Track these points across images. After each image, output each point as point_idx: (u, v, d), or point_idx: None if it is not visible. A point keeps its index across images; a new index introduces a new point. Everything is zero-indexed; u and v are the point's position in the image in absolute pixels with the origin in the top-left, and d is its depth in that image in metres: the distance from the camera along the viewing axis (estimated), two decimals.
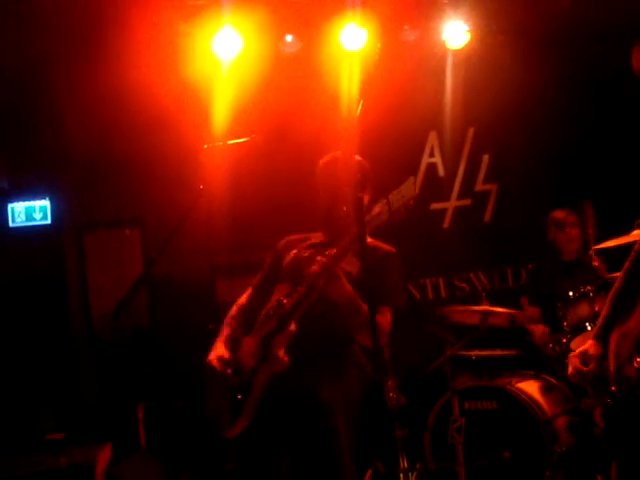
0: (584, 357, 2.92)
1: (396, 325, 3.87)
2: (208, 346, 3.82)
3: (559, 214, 5.92)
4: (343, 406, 3.64)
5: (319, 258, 3.53)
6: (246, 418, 3.58)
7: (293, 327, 3.53)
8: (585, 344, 2.96)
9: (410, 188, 3.35)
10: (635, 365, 2.67)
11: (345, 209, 3.70)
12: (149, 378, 6.18)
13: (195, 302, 6.43)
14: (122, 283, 6.34)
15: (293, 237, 3.98)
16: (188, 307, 6.39)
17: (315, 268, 3.51)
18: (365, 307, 3.39)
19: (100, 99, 6.10)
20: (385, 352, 5.10)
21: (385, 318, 3.62)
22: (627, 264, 3.01)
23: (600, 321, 2.98)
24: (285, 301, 3.59)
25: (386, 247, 3.75)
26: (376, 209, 3.38)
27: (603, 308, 3.01)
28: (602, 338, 2.92)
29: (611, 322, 2.92)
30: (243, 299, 4.00)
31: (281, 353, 3.51)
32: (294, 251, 3.87)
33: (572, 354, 2.99)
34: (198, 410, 3.91)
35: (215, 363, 3.72)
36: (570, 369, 3.00)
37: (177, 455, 5.66)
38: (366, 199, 3.56)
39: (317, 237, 3.91)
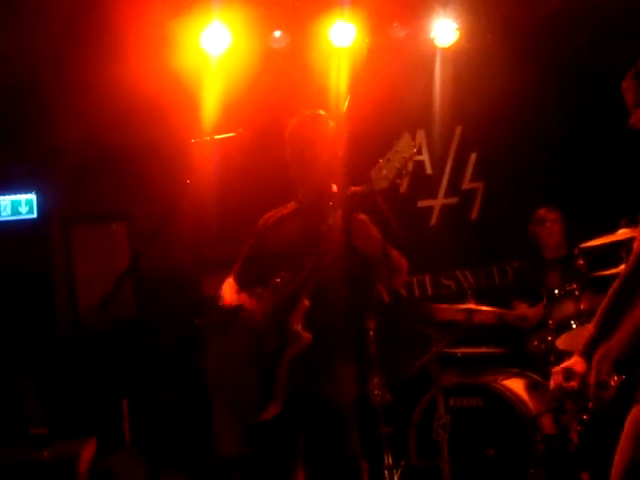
0: (568, 373, 2.92)
1: (382, 323, 3.90)
2: (193, 339, 3.81)
3: (541, 211, 6.00)
4: (353, 389, 3.65)
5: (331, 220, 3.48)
6: (279, 402, 3.53)
7: (307, 302, 3.51)
8: (571, 359, 2.95)
9: (407, 146, 3.24)
10: (612, 384, 2.67)
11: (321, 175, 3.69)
12: (135, 371, 6.17)
13: (182, 296, 6.43)
14: (109, 277, 6.31)
15: (271, 215, 3.97)
16: (175, 301, 6.38)
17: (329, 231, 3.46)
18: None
19: (88, 93, 6.07)
20: (371, 348, 5.11)
21: (400, 259, 3.66)
22: (615, 283, 3.00)
23: (587, 338, 2.97)
24: (289, 279, 3.57)
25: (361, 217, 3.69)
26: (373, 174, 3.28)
27: (592, 324, 3.00)
28: (588, 355, 2.92)
29: (597, 339, 2.91)
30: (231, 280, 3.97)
31: (300, 329, 3.50)
32: (277, 230, 3.84)
33: (555, 369, 2.98)
34: (184, 403, 3.91)
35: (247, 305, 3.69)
36: (552, 384, 3.00)
37: (162, 449, 5.66)
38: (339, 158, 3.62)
39: (292, 207, 3.90)
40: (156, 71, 5.92)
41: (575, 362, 2.93)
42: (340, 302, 3.62)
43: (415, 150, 3.26)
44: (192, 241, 6.63)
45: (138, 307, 6.64)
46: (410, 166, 3.23)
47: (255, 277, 3.82)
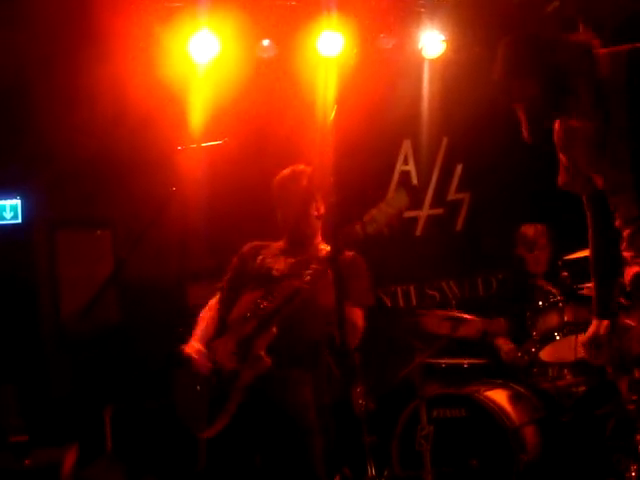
0: (596, 341, 2.96)
1: (367, 332, 3.92)
2: (177, 348, 3.83)
3: (529, 231, 5.83)
4: (316, 409, 3.71)
5: (312, 267, 3.64)
6: (226, 418, 3.63)
7: (274, 329, 3.60)
8: (591, 327, 3.01)
9: (400, 199, 3.57)
10: None
11: (310, 221, 3.91)
12: (119, 378, 6.14)
13: (166, 304, 6.40)
14: (93, 285, 6.28)
15: (257, 243, 4.12)
16: (159, 308, 6.35)
17: (306, 278, 3.62)
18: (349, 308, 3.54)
19: (75, 99, 6.06)
20: (355, 358, 5.11)
21: (358, 318, 3.82)
22: (590, 241, 3.08)
23: (594, 300, 3.03)
24: (264, 304, 3.67)
25: (349, 253, 3.85)
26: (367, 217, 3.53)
27: (593, 287, 3.06)
28: (602, 315, 2.98)
29: (603, 297, 2.99)
30: (214, 302, 4.04)
31: (263, 354, 3.58)
32: (260, 257, 3.99)
33: (581, 340, 3.04)
34: (167, 412, 3.92)
35: (195, 356, 3.76)
36: (585, 356, 3.07)
37: (143, 458, 5.63)
38: (321, 208, 3.81)
39: (279, 245, 4.05)
40: (143, 78, 5.91)
41: (595, 326, 2.98)
42: (308, 337, 3.77)
43: (407, 207, 3.52)
44: (177, 249, 6.61)
45: (122, 314, 6.60)
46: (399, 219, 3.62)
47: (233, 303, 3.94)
